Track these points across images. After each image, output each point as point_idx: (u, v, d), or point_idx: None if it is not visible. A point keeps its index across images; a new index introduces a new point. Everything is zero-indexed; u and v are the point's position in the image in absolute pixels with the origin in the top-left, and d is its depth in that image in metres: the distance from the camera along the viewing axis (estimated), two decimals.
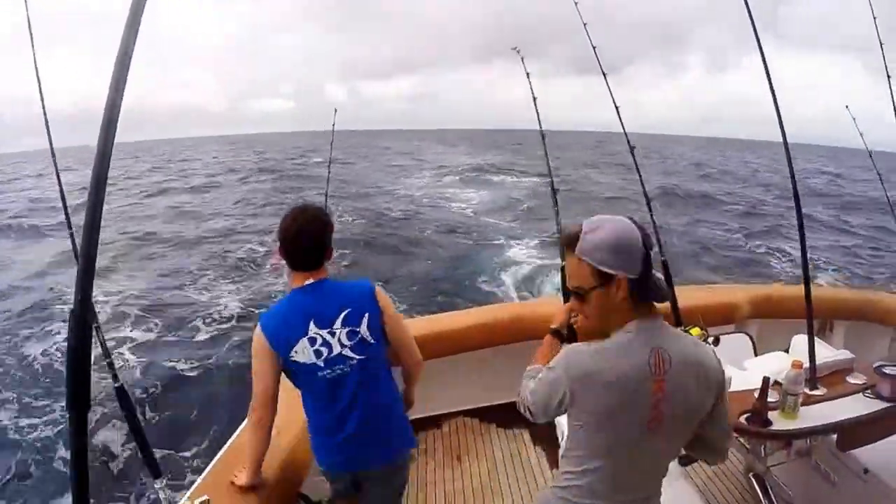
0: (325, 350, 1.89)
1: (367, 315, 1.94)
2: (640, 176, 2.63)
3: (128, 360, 7.49)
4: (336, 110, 3.51)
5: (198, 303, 10.04)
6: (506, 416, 3.90)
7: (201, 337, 8.50)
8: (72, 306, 0.85)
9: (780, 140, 2.23)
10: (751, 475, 2.42)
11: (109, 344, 1.85)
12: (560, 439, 2.95)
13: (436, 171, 33.62)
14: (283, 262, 1.96)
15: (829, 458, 2.49)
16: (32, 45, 1.71)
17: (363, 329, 1.93)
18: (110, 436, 5.57)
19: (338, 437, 1.98)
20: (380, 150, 58.55)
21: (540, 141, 3.19)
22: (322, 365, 1.88)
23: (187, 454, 5.34)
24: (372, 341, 1.95)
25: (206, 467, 2.21)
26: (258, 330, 1.91)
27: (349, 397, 1.94)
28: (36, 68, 1.81)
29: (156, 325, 8.91)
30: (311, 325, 1.88)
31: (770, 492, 2.35)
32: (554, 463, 3.30)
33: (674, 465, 2.33)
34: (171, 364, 7.45)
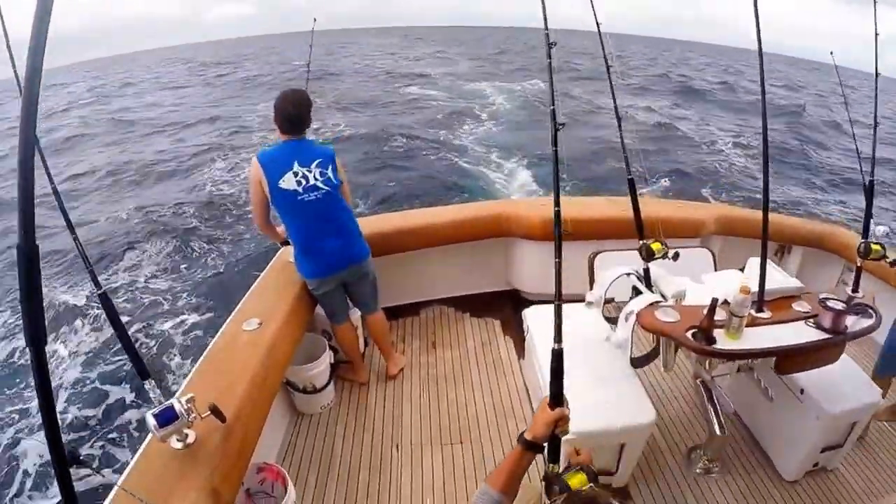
0: (303, 181, 2.74)
1: (331, 165, 2.83)
2: (612, 87, 2.61)
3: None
4: (315, 19, 3.65)
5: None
6: (479, 305, 4.22)
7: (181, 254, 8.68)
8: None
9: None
10: (698, 381, 2.61)
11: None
12: (525, 333, 3.19)
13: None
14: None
15: (770, 375, 2.71)
16: None
17: (329, 172, 2.81)
18: (100, 340, 5.89)
19: (317, 248, 2.89)
20: (352, 48, 61.06)
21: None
22: (301, 191, 2.74)
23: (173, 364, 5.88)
24: (334, 182, 2.83)
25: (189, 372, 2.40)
26: (255, 161, 2.73)
27: (321, 216, 2.83)
28: None
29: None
30: (295, 164, 2.73)
31: (714, 398, 2.54)
32: (521, 353, 3.57)
33: (626, 366, 2.54)
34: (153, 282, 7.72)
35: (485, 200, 4.75)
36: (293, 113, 2.75)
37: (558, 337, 1.59)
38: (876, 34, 2.84)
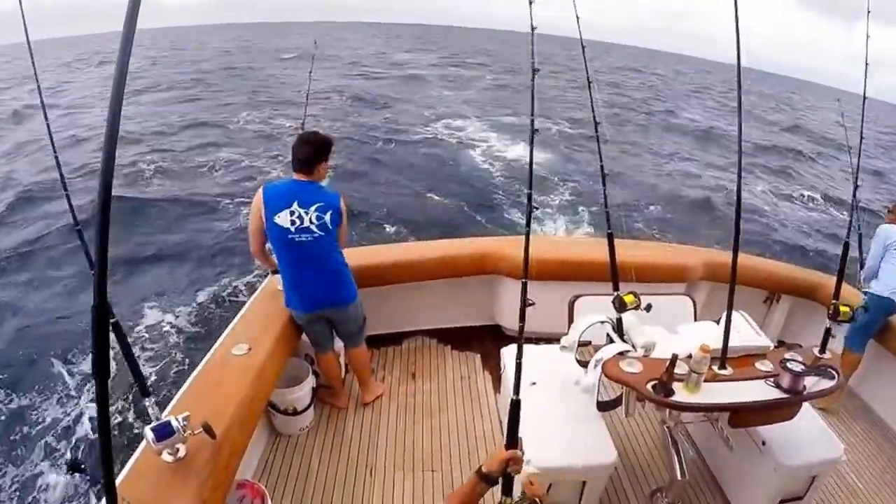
0: (298, 221, 2.87)
1: (330, 212, 2.94)
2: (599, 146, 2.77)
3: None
4: (315, 41, 3.91)
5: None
6: (461, 339, 4.30)
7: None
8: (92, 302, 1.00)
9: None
10: (664, 426, 2.74)
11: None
12: (501, 370, 3.30)
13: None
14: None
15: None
16: None
17: (326, 218, 2.93)
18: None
19: (303, 286, 3.04)
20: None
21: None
22: (293, 230, 2.87)
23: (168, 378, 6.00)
24: (330, 228, 2.95)
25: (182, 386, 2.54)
26: (259, 192, 2.91)
27: (309, 258, 2.96)
28: None
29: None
30: (295, 203, 2.87)
31: (677, 443, 2.64)
32: (498, 388, 3.66)
33: (592, 410, 2.66)
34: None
35: (472, 238, 4.88)
36: (303, 153, 2.92)
37: (517, 389, 1.82)
38: (864, 98, 2.94)
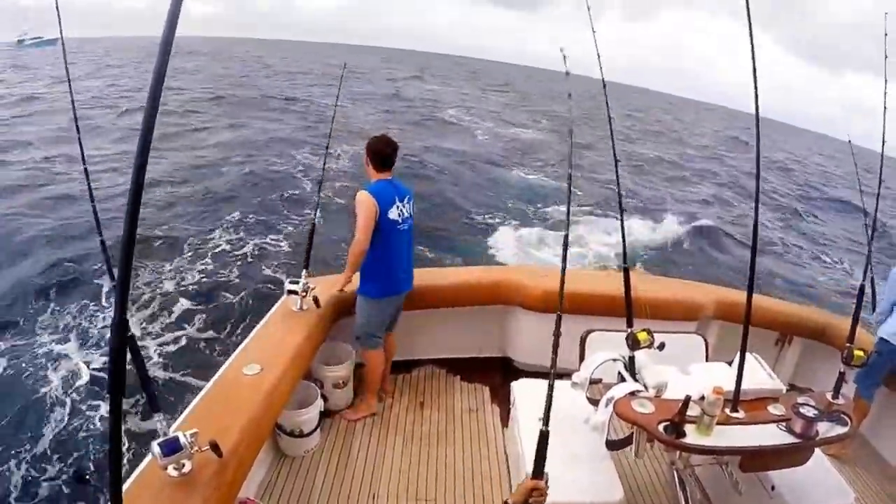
0: (403, 212, 3.36)
1: (413, 202, 3.49)
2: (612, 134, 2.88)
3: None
4: (345, 64, 4.60)
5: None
6: (471, 370, 4.26)
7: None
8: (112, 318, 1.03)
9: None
10: (673, 468, 2.71)
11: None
12: (511, 404, 3.26)
13: None
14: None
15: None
16: None
17: (412, 208, 3.47)
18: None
19: (400, 269, 3.49)
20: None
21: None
22: (400, 221, 3.35)
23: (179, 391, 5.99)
24: (413, 216, 3.47)
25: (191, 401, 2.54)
26: (368, 195, 3.22)
27: (407, 244, 3.49)
28: None
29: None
30: (396, 199, 3.32)
31: (685, 485, 2.62)
32: (506, 422, 3.62)
33: (600, 448, 2.63)
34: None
35: (486, 266, 4.85)
36: (389, 154, 3.34)
37: (546, 420, 1.83)
38: (883, 146, 3.01)
